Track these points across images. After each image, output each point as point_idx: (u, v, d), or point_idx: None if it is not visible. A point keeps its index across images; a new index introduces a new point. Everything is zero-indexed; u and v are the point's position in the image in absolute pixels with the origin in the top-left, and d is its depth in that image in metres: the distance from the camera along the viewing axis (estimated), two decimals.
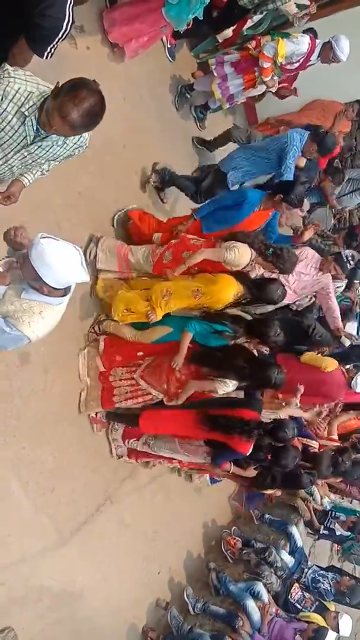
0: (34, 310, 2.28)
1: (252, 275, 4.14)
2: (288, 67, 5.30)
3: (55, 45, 2.46)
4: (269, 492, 5.21)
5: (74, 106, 2.14)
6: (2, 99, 2.24)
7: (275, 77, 5.42)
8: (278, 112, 6.62)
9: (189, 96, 5.77)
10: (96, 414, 4.28)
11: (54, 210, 3.94)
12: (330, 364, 4.80)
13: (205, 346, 3.88)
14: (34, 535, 3.64)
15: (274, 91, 5.86)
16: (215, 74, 5.46)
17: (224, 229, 4.14)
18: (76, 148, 2.53)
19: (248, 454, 3.91)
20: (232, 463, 4.27)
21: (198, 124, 6.07)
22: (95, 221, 4.45)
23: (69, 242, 2.19)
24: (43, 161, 2.51)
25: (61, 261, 2.12)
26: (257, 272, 4.23)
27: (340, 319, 4.98)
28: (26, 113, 2.27)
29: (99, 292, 4.31)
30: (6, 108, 2.26)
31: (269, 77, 5.30)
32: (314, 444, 4.96)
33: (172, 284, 3.91)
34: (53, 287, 2.20)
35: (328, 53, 5.21)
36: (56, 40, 2.43)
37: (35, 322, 2.30)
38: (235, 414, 3.84)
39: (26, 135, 2.35)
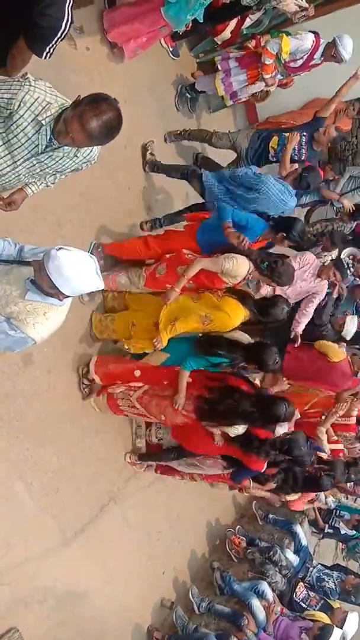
0: (38, 311, 2.29)
1: (263, 291, 4.21)
2: (292, 64, 5.26)
3: (55, 45, 2.46)
4: (293, 497, 5.21)
5: (94, 116, 2.18)
6: (20, 106, 2.27)
7: (279, 76, 5.40)
8: (279, 112, 6.60)
9: (189, 96, 5.75)
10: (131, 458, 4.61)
11: (55, 210, 3.94)
12: (338, 355, 4.84)
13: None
14: (38, 535, 3.65)
15: (272, 90, 5.81)
16: (220, 68, 5.42)
17: (221, 247, 4.01)
18: (85, 162, 2.55)
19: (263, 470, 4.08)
20: (251, 480, 4.43)
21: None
22: (97, 222, 4.46)
23: (82, 251, 2.19)
24: (51, 171, 2.52)
25: (78, 273, 2.13)
26: (266, 289, 4.35)
27: (303, 326, 4.84)
28: (43, 122, 2.30)
29: (98, 331, 4.28)
30: (23, 115, 2.28)
31: (270, 75, 5.27)
32: (324, 455, 5.02)
33: (179, 308, 3.89)
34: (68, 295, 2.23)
35: (331, 52, 5.17)
36: (55, 40, 2.43)
37: (39, 324, 2.30)
38: (251, 433, 3.90)
39: (38, 144, 2.36)
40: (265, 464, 4.04)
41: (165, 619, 4.82)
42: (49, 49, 2.46)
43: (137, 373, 4.09)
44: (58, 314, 2.36)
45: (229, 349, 3.81)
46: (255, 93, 6.01)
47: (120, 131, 2.31)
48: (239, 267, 3.75)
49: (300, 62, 5.28)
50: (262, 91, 6.08)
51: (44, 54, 2.48)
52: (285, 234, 4.08)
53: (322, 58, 5.27)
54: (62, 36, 2.41)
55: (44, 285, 2.20)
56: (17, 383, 3.60)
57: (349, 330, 5.06)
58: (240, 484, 4.51)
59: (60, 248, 2.12)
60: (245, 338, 3.96)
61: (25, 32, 2.43)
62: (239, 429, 3.88)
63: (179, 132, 5.39)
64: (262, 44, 5.28)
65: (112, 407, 4.18)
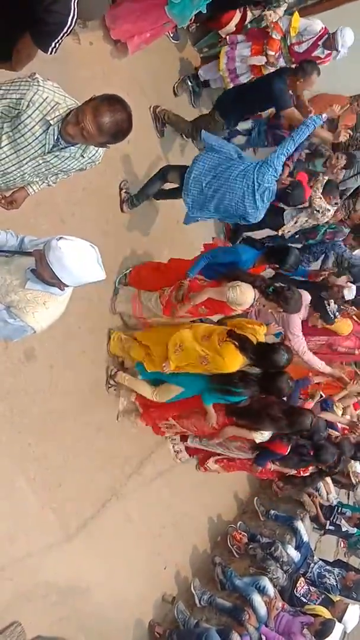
0: (38, 300, 2.29)
1: (272, 330, 4.37)
2: (296, 47, 5.21)
3: (60, 41, 2.46)
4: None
5: (108, 111, 2.20)
6: (28, 106, 2.27)
7: (282, 61, 5.33)
8: None
9: (191, 85, 5.67)
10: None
11: (58, 205, 3.94)
12: (346, 328, 5.03)
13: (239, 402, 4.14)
14: (40, 530, 3.66)
15: (272, 69, 5.54)
16: (228, 42, 5.41)
17: (225, 275, 4.09)
18: (89, 162, 2.54)
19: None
20: (272, 462, 4.66)
21: (192, 97, 5.83)
22: (100, 217, 4.45)
23: (84, 240, 2.18)
24: (56, 171, 2.52)
25: (80, 264, 2.13)
26: (275, 321, 4.52)
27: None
28: (51, 122, 2.30)
29: (114, 349, 4.47)
30: (31, 114, 2.29)
31: (274, 53, 5.20)
32: (336, 433, 5.22)
33: (186, 339, 4.01)
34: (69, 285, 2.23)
35: (331, 40, 5.16)
36: (61, 35, 2.43)
37: (39, 313, 2.30)
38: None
39: (45, 144, 2.36)
40: (289, 447, 4.36)
41: (166, 614, 4.84)
42: (55, 44, 2.46)
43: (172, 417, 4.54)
44: (58, 304, 2.36)
45: (244, 383, 3.91)
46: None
47: (127, 136, 2.33)
48: (243, 295, 3.82)
49: (304, 47, 5.23)
50: None
51: (50, 49, 2.48)
52: (278, 264, 4.08)
53: (325, 48, 5.23)
54: (68, 32, 2.42)
55: (45, 275, 2.20)
56: (19, 378, 3.60)
57: (348, 295, 5.12)
58: (264, 467, 4.70)
59: (60, 238, 2.11)
60: (252, 370, 4.00)
61: (31, 28, 2.43)
62: (265, 435, 4.20)
63: (163, 114, 5.22)
64: (274, 19, 5.19)
65: (154, 428, 4.70)
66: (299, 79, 4.68)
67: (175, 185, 4.61)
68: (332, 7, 5.78)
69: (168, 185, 4.77)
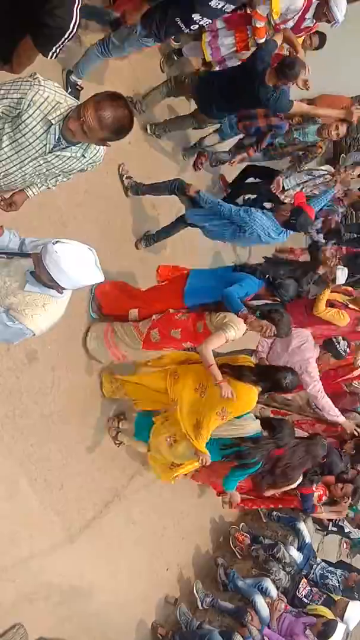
0: (37, 303, 2.29)
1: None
2: (282, 26, 5.01)
3: (61, 46, 2.47)
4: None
5: (111, 106, 2.21)
6: (29, 105, 2.27)
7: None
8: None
9: (176, 58, 5.44)
10: None
11: (59, 208, 3.94)
12: (344, 320, 5.00)
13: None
14: (42, 532, 3.66)
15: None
16: (207, 28, 4.97)
17: (209, 302, 3.97)
18: (91, 163, 2.54)
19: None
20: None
21: (163, 62, 5.54)
22: (102, 219, 4.46)
23: (81, 244, 2.19)
24: (57, 172, 2.51)
25: (77, 267, 2.13)
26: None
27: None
28: (53, 121, 2.30)
29: (108, 393, 4.29)
30: (32, 114, 2.29)
31: (263, 39, 4.96)
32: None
33: (194, 411, 3.75)
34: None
35: (323, 9, 4.91)
36: (62, 40, 2.44)
37: (38, 315, 2.30)
38: None
39: (46, 143, 2.36)
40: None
41: (169, 615, 4.84)
42: (56, 49, 2.47)
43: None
44: (57, 306, 2.36)
45: (257, 448, 3.78)
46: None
47: (127, 135, 2.33)
48: (237, 325, 3.71)
49: (291, 24, 5.03)
50: None
51: (50, 54, 2.49)
52: (276, 293, 3.99)
53: (315, 19, 5.05)
54: (70, 37, 2.43)
55: (43, 278, 2.20)
56: (22, 380, 3.60)
57: (340, 278, 5.12)
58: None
59: (57, 242, 2.12)
60: (256, 425, 3.86)
61: (33, 31, 2.44)
62: (299, 480, 4.44)
63: (162, 123, 5.09)
64: (253, 7, 4.97)
65: None
66: (282, 83, 4.35)
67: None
68: None
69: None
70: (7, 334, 2.35)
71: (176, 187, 4.53)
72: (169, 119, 5.18)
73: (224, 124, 5.41)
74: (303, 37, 5.44)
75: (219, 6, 3.98)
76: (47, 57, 2.51)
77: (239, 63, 4.83)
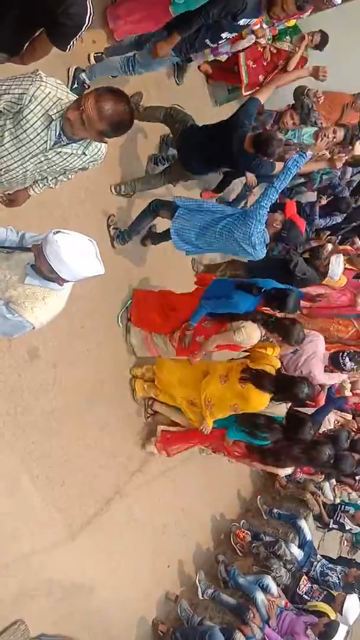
0: (37, 296, 2.28)
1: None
2: (276, 23, 5.09)
3: (77, 38, 2.51)
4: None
5: (112, 100, 2.21)
6: (30, 101, 2.28)
7: (265, 25, 5.16)
8: (283, 104, 6.57)
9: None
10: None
11: (61, 205, 3.94)
12: (340, 281, 5.16)
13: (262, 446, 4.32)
14: (44, 528, 3.67)
15: (263, 42, 5.44)
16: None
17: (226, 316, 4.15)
18: (92, 161, 2.53)
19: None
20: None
21: (175, 75, 5.58)
22: (103, 216, 4.46)
23: (82, 235, 2.19)
24: (58, 169, 2.50)
25: (77, 257, 2.13)
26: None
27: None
28: (53, 117, 2.30)
29: (140, 394, 4.66)
30: (33, 109, 2.29)
31: (258, 26, 5.02)
32: (348, 417, 5.40)
33: (212, 395, 4.17)
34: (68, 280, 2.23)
35: None
36: (79, 34, 2.50)
37: (38, 308, 2.29)
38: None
39: (47, 140, 2.36)
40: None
41: (170, 612, 4.85)
42: (73, 42, 2.54)
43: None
44: (57, 300, 2.36)
45: (269, 429, 4.08)
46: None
47: (125, 133, 2.34)
48: (249, 334, 3.93)
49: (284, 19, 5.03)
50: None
51: (68, 48, 2.57)
52: (279, 307, 4.01)
53: (308, 4, 4.90)
54: (86, 29, 2.47)
55: (44, 270, 2.20)
56: (23, 377, 3.61)
57: (335, 271, 5.12)
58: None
59: (57, 231, 2.12)
60: (280, 411, 4.14)
61: (49, 29, 2.50)
62: (288, 471, 4.66)
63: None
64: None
65: (163, 451, 4.78)
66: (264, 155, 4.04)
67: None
68: (329, 7, 5.74)
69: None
70: (7, 326, 2.34)
71: (155, 206, 4.43)
72: (138, 177, 4.80)
73: None
74: (304, 36, 5.46)
75: (246, 23, 4.08)
76: (64, 51, 2.58)
77: (219, 122, 4.34)
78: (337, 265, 5.10)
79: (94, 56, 4.38)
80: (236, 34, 4.35)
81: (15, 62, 2.74)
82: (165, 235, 4.64)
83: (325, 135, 5.08)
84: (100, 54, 4.40)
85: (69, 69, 4.12)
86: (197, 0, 4.20)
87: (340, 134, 5.06)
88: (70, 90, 4.38)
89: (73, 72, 4.15)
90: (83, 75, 4.16)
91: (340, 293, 5.48)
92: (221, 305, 4.07)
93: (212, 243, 4.20)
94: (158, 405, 4.74)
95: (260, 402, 3.96)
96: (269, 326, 3.96)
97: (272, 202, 3.90)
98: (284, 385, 3.98)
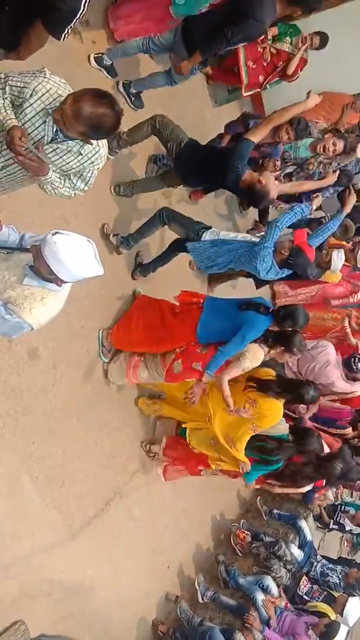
0: (35, 296, 2.29)
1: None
2: None
3: (72, 27, 2.49)
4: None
5: (90, 101, 2.19)
6: (31, 95, 2.29)
7: None
8: (285, 104, 6.56)
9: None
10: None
11: (61, 205, 3.94)
12: (334, 276, 5.25)
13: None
14: (44, 529, 3.67)
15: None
16: None
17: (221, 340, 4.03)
18: (89, 163, 2.51)
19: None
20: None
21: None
22: (103, 216, 4.46)
23: (80, 236, 2.19)
24: (54, 168, 2.49)
25: (76, 258, 2.13)
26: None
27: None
28: (50, 111, 2.31)
29: (146, 411, 4.68)
30: (32, 104, 2.30)
31: None
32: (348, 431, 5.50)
33: (227, 425, 4.08)
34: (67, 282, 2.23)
35: None
36: (74, 21, 2.47)
37: (36, 309, 2.30)
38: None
39: (44, 135, 2.36)
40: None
41: (170, 613, 4.85)
42: (68, 30, 2.50)
43: (201, 468, 4.69)
44: (56, 300, 2.36)
45: (279, 447, 4.08)
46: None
47: (109, 136, 2.33)
48: (255, 356, 3.89)
49: None
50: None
51: (62, 36, 2.52)
52: (288, 325, 3.97)
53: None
54: (81, 17, 2.45)
55: (42, 271, 2.20)
56: (23, 378, 3.61)
57: (337, 265, 5.19)
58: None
59: (56, 232, 2.12)
60: (284, 428, 4.18)
61: (44, 16, 2.46)
62: (308, 488, 4.67)
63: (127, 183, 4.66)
64: None
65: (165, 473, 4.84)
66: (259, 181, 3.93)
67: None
68: (330, 7, 5.75)
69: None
70: (5, 327, 2.35)
71: (166, 217, 4.32)
72: (136, 180, 4.78)
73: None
74: (305, 38, 5.44)
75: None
76: (59, 39, 2.54)
77: (214, 152, 4.32)
78: (338, 260, 5.16)
79: (94, 57, 4.40)
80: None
81: (11, 57, 2.71)
82: (155, 264, 4.67)
83: (325, 148, 5.00)
84: (100, 55, 4.42)
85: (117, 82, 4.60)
86: (198, 1, 4.23)
87: (340, 145, 4.98)
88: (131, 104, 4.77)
89: (123, 88, 4.68)
90: (132, 90, 4.68)
91: (335, 285, 5.55)
92: (239, 340, 3.84)
93: (228, 264, 4.14)
94: (156, 447, 4.76)
95: (274, 410, 3.98)
96: (269, 341, 3.94)
97: (275, 240, 3.84)
98: (288, 386, 4.05)
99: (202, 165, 4.09)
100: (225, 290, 5.79)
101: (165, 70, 4.55)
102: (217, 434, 4.10)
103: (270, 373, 4.17)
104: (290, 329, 3.95)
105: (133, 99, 4.79)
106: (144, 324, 4.27)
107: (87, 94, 2.21)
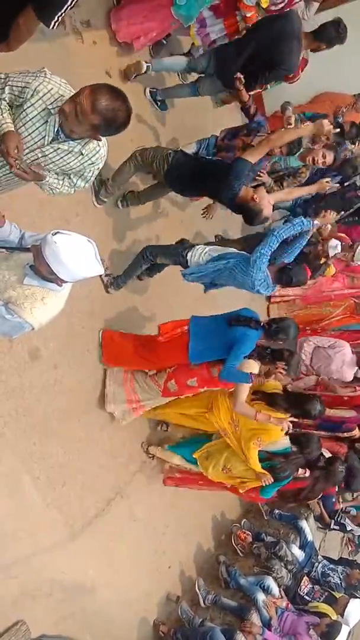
0: (36, 296, 2.29)
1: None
2: (273, 7, 4.98)
3: (63, 14, 2.46)
4: None
5: (107, 95, 2.19)
6: (32, 95, 2.28)
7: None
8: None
9: (164, 42, 5.23)
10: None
11: (61, 205, 3.95)
12: (329, 270, 5.26)
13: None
14: (45, 529, 3.67)
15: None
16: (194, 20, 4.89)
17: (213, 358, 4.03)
18: (90, 163, 2.50)
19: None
20: None
21: (180, 76, 5.50)
22: (104, 216, 4.46)
23: (81, 236, 2.19)
24: (55, 168, 2.48)
25: (76, 258, 2.13)
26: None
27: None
28: (52, 112, 2.30)
29: (148, 415, 4.60)
30: (34, 103, 2.29)
31: (250, 14, 4.94)
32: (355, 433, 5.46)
33: (240, 448, 4.19)
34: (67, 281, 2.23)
35: None
36: (65, 8, 2.44)
37: (37, 309, 2.30)
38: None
39: (45, 135, 2.36)
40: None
41: (171, 613, 4.85)
42: (58, 17, 2.46)
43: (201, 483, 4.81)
44: (56, 300, 2.36)
45: (287, 462, 4.21)
46: None
47: (118, 132, 2.32)
48: (253, 371, 3.87)
49: (281, 5, 4.98)
50: None
51: (52, 23, 2.49)
52: (281, 338, 3.96)
53: None
54: (72, 4, 2.41)
55: (42, 270, 2.20)
56: (24, 378, 3.61)
57: (332, 253, 5.22)
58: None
59: (56, 232, 2.12)
60: (286, 441, 4.23)
61: (34, 1, 2.42)
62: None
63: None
64: None
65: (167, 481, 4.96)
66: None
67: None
68: (330, 7, 5.75)
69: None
70: (6, 327, 2.35)
71: (150, 255, 4.20)
72: (142, 190, 4.75)
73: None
74: None
75: None
76: (48, 26, 2.50)
77: (207, 164, 4.21)
78: (333, 250, 5.19)
79: (150, 91, 5.04)
80: None
81: (1, 49, 2.68)
82: (151, 271, 4.60)
83: (315, 160, 4.87)
84: (154, 90, 5.06)
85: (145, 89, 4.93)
86: (199, 2, 4.24)
87: (330, 157, 4.84)
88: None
89: (149, 95, 5.03)
90: (159, 97, 5.09)
91: (331, 280, 5.57)
92: (235, 355, 3.79)
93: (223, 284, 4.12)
94: (154, 448, 4.79)
95: (279, 431, 4.01)
96: (266, 358, 3.93)
97: (272, 249, 3.73)
98: (296, 402, 4.12)
99: (196, 182, 4.08)
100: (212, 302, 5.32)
101: (192, 82, 4.97)
102: (234, 457, 4.27)
103: (277, 386, 4.22)
104: (281, 341, 3.97)
105: (159, 103, 5.22)
106: (134, 345, 4.27)
107: (104, 87, 2.22)
